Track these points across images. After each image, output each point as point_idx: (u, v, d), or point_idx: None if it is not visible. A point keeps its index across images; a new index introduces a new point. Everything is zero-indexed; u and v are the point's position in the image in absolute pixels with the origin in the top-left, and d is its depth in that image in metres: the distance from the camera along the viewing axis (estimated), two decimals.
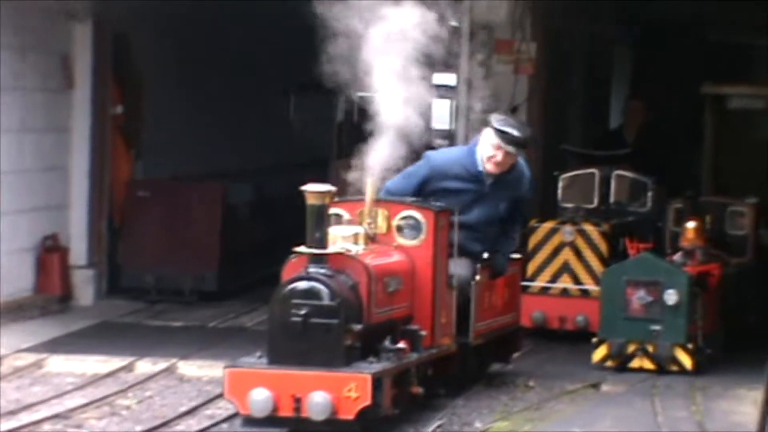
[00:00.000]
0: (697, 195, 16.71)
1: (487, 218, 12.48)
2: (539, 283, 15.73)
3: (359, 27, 11.72)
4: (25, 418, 11.45)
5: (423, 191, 12.38)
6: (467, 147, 12.67)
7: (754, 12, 19.98)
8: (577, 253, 15.74)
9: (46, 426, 11.24)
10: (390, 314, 11.46)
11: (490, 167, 12.51)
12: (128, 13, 17.88)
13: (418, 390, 11.50)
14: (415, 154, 12.45)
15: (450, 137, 17.21)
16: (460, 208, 12.26)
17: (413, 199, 12.25)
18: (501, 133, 12.31)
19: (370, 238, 11.68)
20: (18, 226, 16.15)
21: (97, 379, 13.04)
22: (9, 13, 15.75)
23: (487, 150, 12.44)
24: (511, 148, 12.39)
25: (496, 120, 12.38)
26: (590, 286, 15.41)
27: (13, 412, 11.62)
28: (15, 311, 15.95)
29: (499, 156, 12.43)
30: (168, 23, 19.05)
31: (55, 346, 14.50)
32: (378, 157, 12.09)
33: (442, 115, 17.11)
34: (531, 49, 17.66)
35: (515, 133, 12.34)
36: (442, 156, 12.56)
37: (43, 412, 11.66)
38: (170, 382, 13.11)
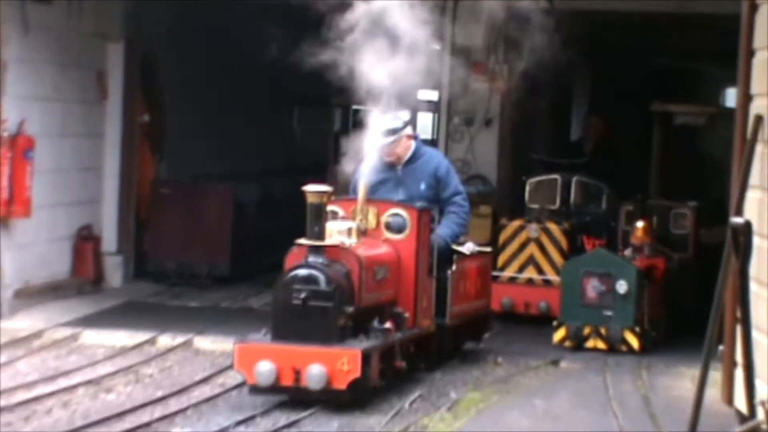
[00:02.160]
0: (646, 199, 16.70)
1: (409, 197, 12.37)
2: (508, 273, 15.72)
3: (355, 51, 11.75)
4: (62, 383, 11.48)
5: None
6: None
7: (697, 43, 20.07)
8: (541, 248, 15.75)
9: (81, 390, 11.28)
10: (378, 298, 11.50)
11: (386, 158, 12.53)
12: (155, 35, 17.91)
13: (401, 364, 11.53)
14: None
15: (433, 144, 17.25)
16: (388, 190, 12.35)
17: (400, 200, 12.33)
18: (375, 137, 12.29)
19: (362, 233, 11.68)
20: (57, 217, 16.16)
21: (124, 351, 13.05)
22: (52, 34, 15.79)
23: (379, 147, 12.44)
24: (382, 140, 12.32)
25: (374, 124, 12.25)
26: (552, 277, 15.40)
27: (52, 378, 11.66)
28: (54, 291, 15.95)
29: (384, 148, 12.43)
30: (188, 45, 19.06)
31: (88, 321, 14.53)
32: (368, 162, 12.19)
33: (425, 126, 17.18)
34: (503, 71, 17.70)
35: (382, 128, 12.26)
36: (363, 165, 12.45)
37: (78, 378, 11.69)
38: (187, 354, 13.13)
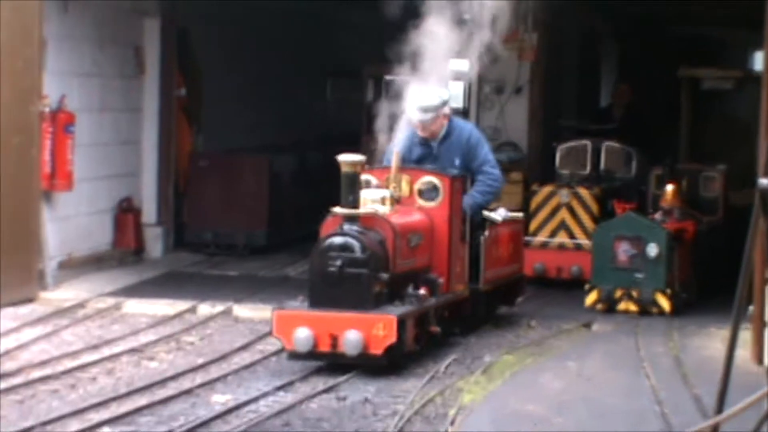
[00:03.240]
0: (675, 163, 16.69)
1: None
2: (540, 238, 15.76)
3: (387, 23, 11.75)
4: (106, 351, 11.56)
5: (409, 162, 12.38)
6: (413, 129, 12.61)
7: (722, 9, 19.98)
8: (572, 213, 15.76)
9: (124, 358, 11.35)
10: (412, 265, 11.52)
11: (420, 133, 12.51)
12: (190, 11, 17.92)
13: (436, 329, 11.56)
14: None
15: (465, 113, 17.23)
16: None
17: (432, 167, 12.33)
18: (411, 110, 12.28)
19: (396, 201, 11.69)
20: (98, 190, 16.24)
21: (165, 320, 13.11)
22: (90, 11, 15.83)
23: (414, 124, 12.44)
24: (419, 116, 12.32)
25: (410, 100, 12.25)
26: (583, 241, 15.43)
27: (96, 347, 11.74)
28: (96, 263, 16.05)
29: (420, 124, 12.43)
30: (223, 20, 19.09)
31: (130, 291, 14.61)
32: (403, 133, 12.19)
33: (456, 95, 17.13)
34: (532, 39, 17.65)
35: (416, 105, 12.26)
36: (402, 139, 12.40)
37: (121, 346, 11.77)
38: (227, 322, 13.18)
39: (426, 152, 12.56)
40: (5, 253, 13.48)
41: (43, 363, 10.99)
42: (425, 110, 12.34)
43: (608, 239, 14.07)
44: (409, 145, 12.44)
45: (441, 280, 11.74)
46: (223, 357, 11.41)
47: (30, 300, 13.75)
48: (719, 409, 7.33)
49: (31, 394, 10.03)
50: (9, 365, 10.90)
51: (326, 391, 10.19)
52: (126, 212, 16.89)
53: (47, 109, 14.58)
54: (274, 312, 10.94)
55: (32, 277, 14.04)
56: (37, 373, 10.60)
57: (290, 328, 10.70)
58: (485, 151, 12.80)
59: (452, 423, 9.17)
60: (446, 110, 12.59)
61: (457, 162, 12.54)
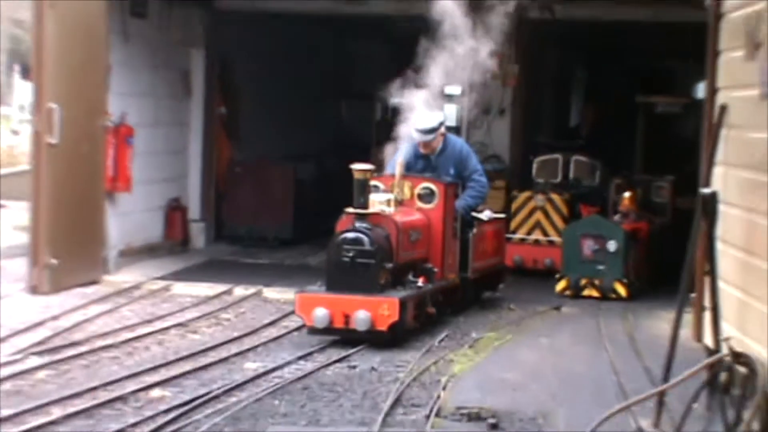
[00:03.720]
0: (632, 174, 16.70)
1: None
2: (519, 235, 15.74)
3: (394, 55, 11.76)
4: (158, 325, 11.60)
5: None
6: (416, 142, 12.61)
7: (673, 45, 19.96)
8: (546, 214, 15.74)
9: (172, 331, 11.38)
10: (412, 256, 11.53)
11: (422, 150, 12.50)
12: (230, 43, 17.95)
13: (432, 310, 11.59)
14: None
15: (457, 130, 17.22)
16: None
17: (430, 175, 12.34)
18: (415, 131, 12.28)
19: (399, 203, 11.71)
20: (152, 191, 16.25)
21: (206, 299, 13.12)
22: (147, 42, 15.85)
23: (416, 141, 12.42)
24: (421, 137, 12.31)
25: (414, 122, 12.24)
26: (555, 238, 15.41)
27: (149, 321, 11.77)
28: (150, 251, 16.08)
29: (422, 143, 12.40)
30: (257, 50, 19.11)
31: (177, 276, 14.62)
32: (406, 149, 12.18)
33: (450, 115, 17.10)
34: (514, 69, 17.64)
35: (419, 128, 12.24)
36: (405, 151, 12.37)
37: (170, 321, 11.80)
38: (258, 302, 13.18)
39: (426, 163, 12.58)
40: (76, 243, 13.51)
41: (106, 334, 11.02)
42: (427, 132, 12.36)
43: (576, 237, 14.06)
44: (413, 157, 12.47)
45: (436, 269, 11.74)
46: (254, 331, 11.43)
47: (95, 282, 13.77)
48: (665, 378, 7.34)
49: (95, 359, 10.07)
50: (78, 336, 10.95)
51: (339, 360, 10.21)
52: (175, 210, 16.90)
53: (111, 124, 14.60)
54: (296, 294, 10.96)
55: (97, 263, 14.05)
56: (100, 343, 10.63)
57: (310, 308, 10.72)
58: (474, 162, 12.81)
59: (444, 388, 9.18)
60: (443, 130, 12.61)
61: (451, 171, 12.54)
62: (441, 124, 12.53)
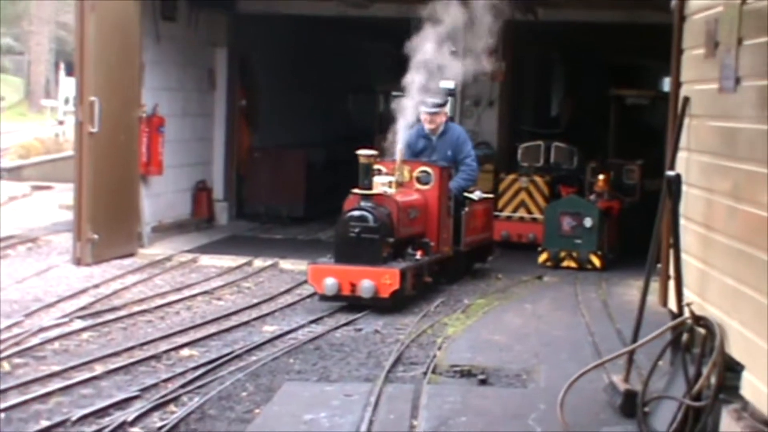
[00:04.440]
0: (605, 158, 16.65)
1: (442, 160, 12.35)
2: (505, 213, 15.63)
3: (394, 53, 11.68)
4: (186, 292, 11.61)
5: (413, 151, 12.38)
6: (419, 125, 12.60)
7: (642, 44, 19.91)
8: (530, 194, 15.67)
9: (199, 298, 11.39)
10: (411, 232, 11.53)
11: (427, 126, 12.50)
12: (249, 42, 17.89)
13: (428, 279, 11.59)
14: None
15: (451, 119, 17.17)
16: (428, 154, 12.37)
17: (427, 159, 12.32)
18: (423, 104, 12.21)
19: (399, 184, 11.70)
20: (181, 174, 16.20)
21: (229, 270, 13.12)
22: (176, 42, 15.80)
23: (423, 118, 12.42)
24: (429, 109, 12.31)
25: (423, 100, 12.21)
26: (537, 215, 15.36)
27: (179, 289, 11.79)
28: (179, 228, 16.02)
29: (427, 117, 12.40)
30: (274, 49, 19.05)
31: (204, 249, 14.61)
32: (407, 135, 12.16)
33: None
34: (502, 66, 17.59)
35: (429, 100, 12.23)
36: (409, 134, 12.37)
37: (197, 289, 11.80)
38: (274, 272, 13.18)
39: (427, 144, 12.57)
40: (114, 220, 13.52)
41: (141, 300, 11.06)
42: (434, 105, 12.33)
43: (556, 214, 14.02)
44: (415, 138, 12.46)
45: (432, 243, 11.76)
46: (272, 298, 11.45)
47: (131, 254, 13.79)
48: (635, 339, 7.36)
49: (132, 323, 10.10)
50: (116, 302, 10.98)
51: (347, 324, 10.23)
52: (201, 191, 16.87)
53: (144, 115, 14.59)
54: (309, 265, 10.97)
55: (133, 237, 14.07)
56: (136, 308, 10.67)
57: (321, 278, 10.73)
58: (469, 148, 12.79)
59: (439, 348, 9.21)
60: (446, 109, 12.64)
61: (449, 153, 12.53)
62: (445, 102, 12.62)
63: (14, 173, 25.59)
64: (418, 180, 11.96)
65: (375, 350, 9.18)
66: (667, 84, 23.41)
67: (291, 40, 19.38)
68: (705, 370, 6.19)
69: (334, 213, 11.62)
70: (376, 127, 17.95)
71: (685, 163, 7.38)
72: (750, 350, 5.77)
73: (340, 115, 22.08)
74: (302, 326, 10.09)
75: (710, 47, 6.81)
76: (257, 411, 7.30)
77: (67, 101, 31.67)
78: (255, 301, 11.24)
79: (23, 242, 14.53)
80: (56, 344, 9.09)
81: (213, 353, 8.90)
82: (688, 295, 6.94)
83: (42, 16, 47.41)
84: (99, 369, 8.26)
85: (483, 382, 8.15)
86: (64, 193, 19.78)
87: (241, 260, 13.60)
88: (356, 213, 10.89)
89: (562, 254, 13.94)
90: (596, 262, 13.87)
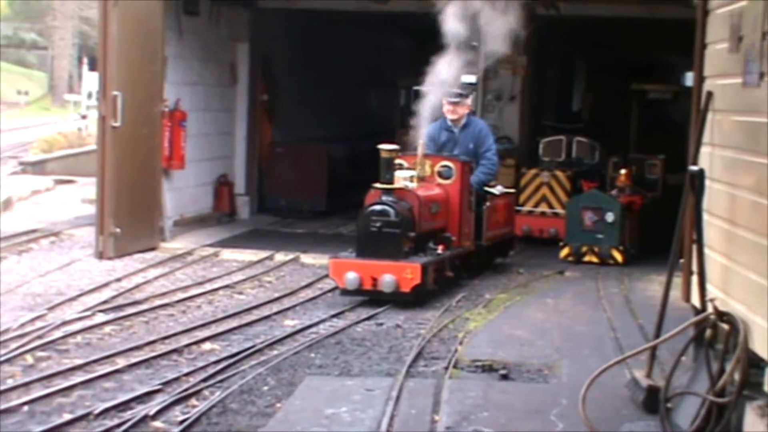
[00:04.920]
0: (627, 153, 16.57)
1: (463, 152, 12.36)
2: (527, 207, 15.62)
3: (416, 48, 11.66)
4: (208, 286, 11.62)
5: (436, 143, 12.37)
6: (442, 118, 12.59)
7: (664, 39, 19.82)
8: (551, 189, 15.64)
9: (221, 292, 11.40)
10: (432, 226, 11.50)
11: (449, 118, 12.47)
12: (271, 37, 17.90)
13: (450, 274, 11.58)
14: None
15: (474, 114, 17.16)
16: (450, 147, 12.37)
17: (447, 154, 12.29)
18: (446, 95, 12.18)
19: (420, 179, 11.67)
20: (203, 168, 16.25)
21: (251, 264, 13.11)
22: (198, 37, 15.84)
23: (445, 109, 12.40)
24: (452, 99, 12.30)
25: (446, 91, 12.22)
26: (559, 210, 15.33)
27: (200, 283, 11.79)
28: (200, 222, 16.08)
29: (449, 107, 12.39)
30: (295, 44, 19.06)
31: (225, 243, 14.62)
32: (430, 129, 12.14)
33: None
34: (523, 60, 17.55)
35: (452, 91, 12.20)
36: (432, 127, 12.35)
37: (218, 283, 11.81)
38: (296, 266, 13.17)
39: (450, 137, 12.56)
40: (136, 214, 13.55)
41: (163, 294, 11.07)
42: (457, 95, 12.33)
43: (577, 209, 13.98)
44: (438, 131, 12.46)
45: (453, 237, 11.74)
46: (293, 292, 11.44)
47: (153, 248, 13.81)
48: (657, 334, 7.32)
49: (154, 316, 10.11)
50: (138, 295, 11.00)
51: (368, 318, 10.22)
52: (223, 185, 16.89)
53: (167, 109, 14.62)
54: (330, 259, 10.96)
55: (155, 231, 14.10)
56: (158, 302, 10.68)
57: (342, 272, 10.72)
58: (490, 141, 12.78)
59: (461, 343, 9.18)
60: (469, 101, 12.63)
61: (471, 146, 12.53)
62: (469, 93, 12.61)
63: (37, 167, 25.74)
64: (440, 174, 11.94)
65: (396, 345, 9.16)
66: (689, 79, 23.30)
67: (312, 35, 19.38)
68: (728, 367, 6.14)
69: (356, 207, 11.60)
70: (398, 121, 17.94)
71: (709, 158, 7.33)
72: None
73: (362, 110, 22.08)
74: (323, 320, 10.09)
75: (734, 42, 6.75)
76: (278, 405, 7.30)
77: (90, 96, 31.85)
78: (276, 295, 11.23)
79: (46, 236, 14.59)
80: (79, 338, 9.12)
81: (234, 347, 8.90)
82: (712, 290, 6.89)
83: (65, 12, 47.65)
84: (121, 362, 8.27)
85: (504, 377, 8.12)
86: (86, 187, 19.87)
87: (262, 254, 13.59)
88: (378, 207, 10.87)
89: (584, 249, 13.90)
90: (618, 257, 13.82)
